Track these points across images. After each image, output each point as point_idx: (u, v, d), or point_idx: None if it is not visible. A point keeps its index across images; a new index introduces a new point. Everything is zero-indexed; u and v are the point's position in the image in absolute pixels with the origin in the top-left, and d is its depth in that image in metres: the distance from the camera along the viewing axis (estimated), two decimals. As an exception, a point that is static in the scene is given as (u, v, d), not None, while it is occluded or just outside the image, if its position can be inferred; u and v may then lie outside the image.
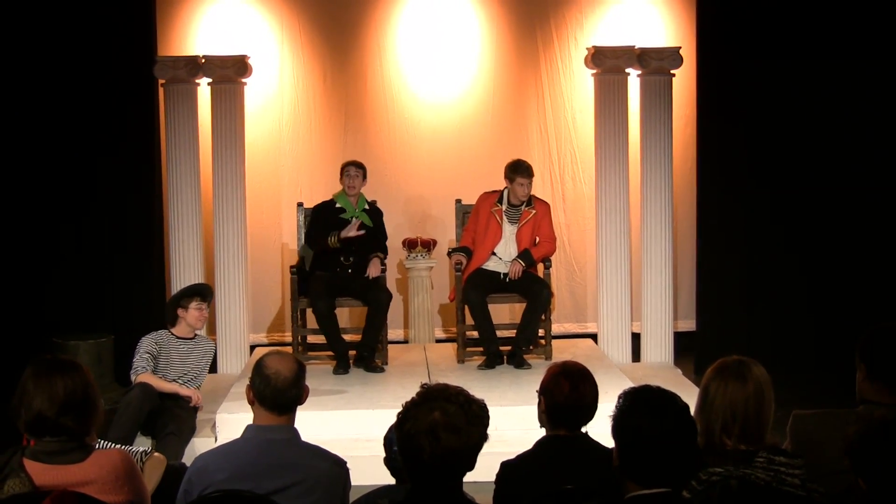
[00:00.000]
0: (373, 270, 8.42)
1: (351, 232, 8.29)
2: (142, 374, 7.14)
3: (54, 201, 9.21)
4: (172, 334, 7.51)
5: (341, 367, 8.40)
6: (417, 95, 10.14)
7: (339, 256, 8.42)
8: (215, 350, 7.92)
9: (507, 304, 9.10)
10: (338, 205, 8.64)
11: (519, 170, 8.39)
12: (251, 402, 4.35)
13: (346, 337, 8.61)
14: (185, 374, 7.43)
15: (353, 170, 8.52)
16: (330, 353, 8.57)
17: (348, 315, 9.76)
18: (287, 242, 10.05)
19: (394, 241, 9.28)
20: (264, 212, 10.07)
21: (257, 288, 9.91)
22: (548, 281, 8.64)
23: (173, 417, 7.13)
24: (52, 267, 9.24)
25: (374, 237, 8.61)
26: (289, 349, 8.44)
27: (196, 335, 7.56)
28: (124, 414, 6.97)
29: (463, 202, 9.19)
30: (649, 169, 9.35)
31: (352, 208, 8.59)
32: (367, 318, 8.47)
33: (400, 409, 3.67)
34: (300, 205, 9.19)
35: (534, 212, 8.66)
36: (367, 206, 8.68)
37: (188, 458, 6.66)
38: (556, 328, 9.55)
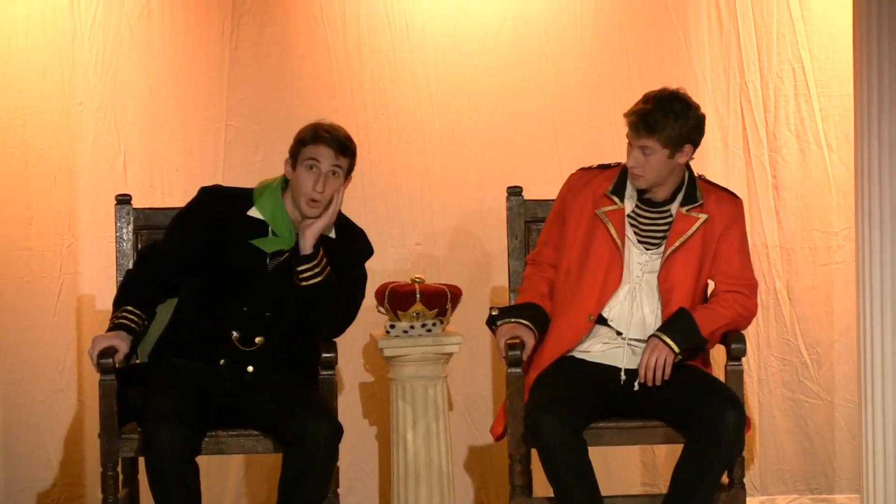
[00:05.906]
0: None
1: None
2: None
3: None
4: None
5: None
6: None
7: (230, 330, 5.61)
8: None
9: (634, 445, 6.42)
10: (257, 215, 5.68)
11: (632, 118, 5.51)
12: None
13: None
14: None
15: (331, 160, 5.43)
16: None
17: (243, 470, 6.99)
18: (89, 293, 6.92)
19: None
20: (35, 216, 7.05)
21: (12, 406, 7.00)
22: (737, 392, 5.82)
23: None
24: None
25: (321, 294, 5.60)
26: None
27: None
28: None
29: (525, 196, 6.38)
30: None
31: (288, 234, 5.66)
32: (281, 482, 5.43)
33: None
34: (122, 201, 6.24)
35: (704, 217, 5.79)
36: (330, 233, 5.82)
37: None
38: (754, 504, 6.99)
